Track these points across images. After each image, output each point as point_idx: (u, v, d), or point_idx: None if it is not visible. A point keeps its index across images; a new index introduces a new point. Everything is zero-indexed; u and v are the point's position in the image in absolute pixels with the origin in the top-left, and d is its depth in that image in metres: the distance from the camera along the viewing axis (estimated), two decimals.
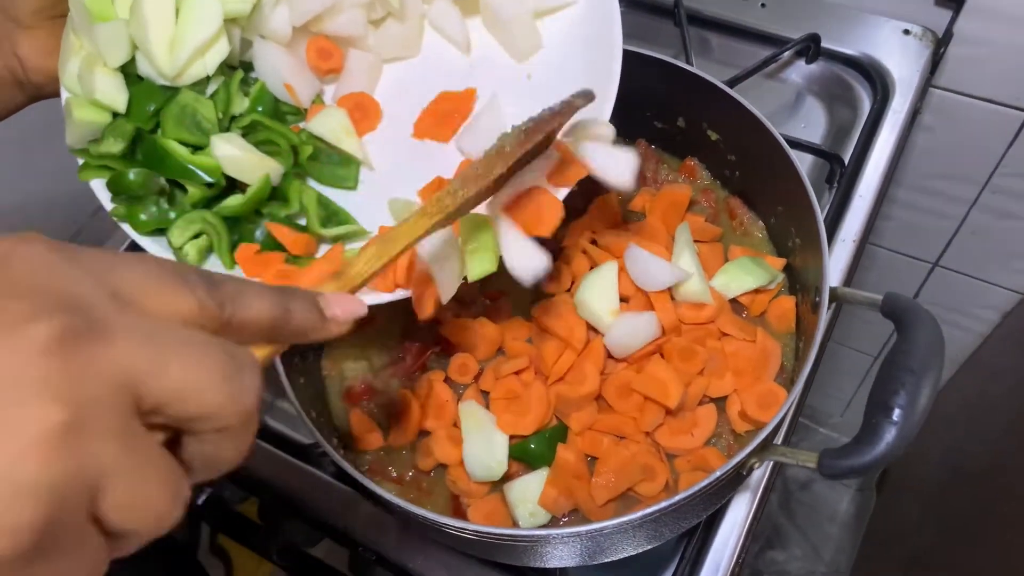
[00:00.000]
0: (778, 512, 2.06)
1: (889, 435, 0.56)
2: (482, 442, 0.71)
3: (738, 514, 0.80)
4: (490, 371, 0.76)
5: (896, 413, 0.56)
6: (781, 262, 0.79)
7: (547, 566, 0.76)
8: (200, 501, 0.99)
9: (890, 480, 1.87)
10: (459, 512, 0.73)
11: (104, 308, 0.29)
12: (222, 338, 0.32)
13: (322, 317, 0.39)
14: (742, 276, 0.77)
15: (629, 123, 0.89)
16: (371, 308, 0.81)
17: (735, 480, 0.68)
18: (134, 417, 0.28)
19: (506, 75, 0.72)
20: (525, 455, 0.73)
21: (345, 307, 0.41)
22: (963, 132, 1.17)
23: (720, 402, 0.75)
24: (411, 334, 0.80)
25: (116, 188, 0.62)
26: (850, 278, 0.92)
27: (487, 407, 0.75)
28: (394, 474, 0.74)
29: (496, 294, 0.82)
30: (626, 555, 0.72)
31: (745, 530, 0.80)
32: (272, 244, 0.66)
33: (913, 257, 1.47)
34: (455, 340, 0.78)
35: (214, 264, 0.65)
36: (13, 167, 1.04)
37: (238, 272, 0.65)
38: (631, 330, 0.72)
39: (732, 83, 0.98)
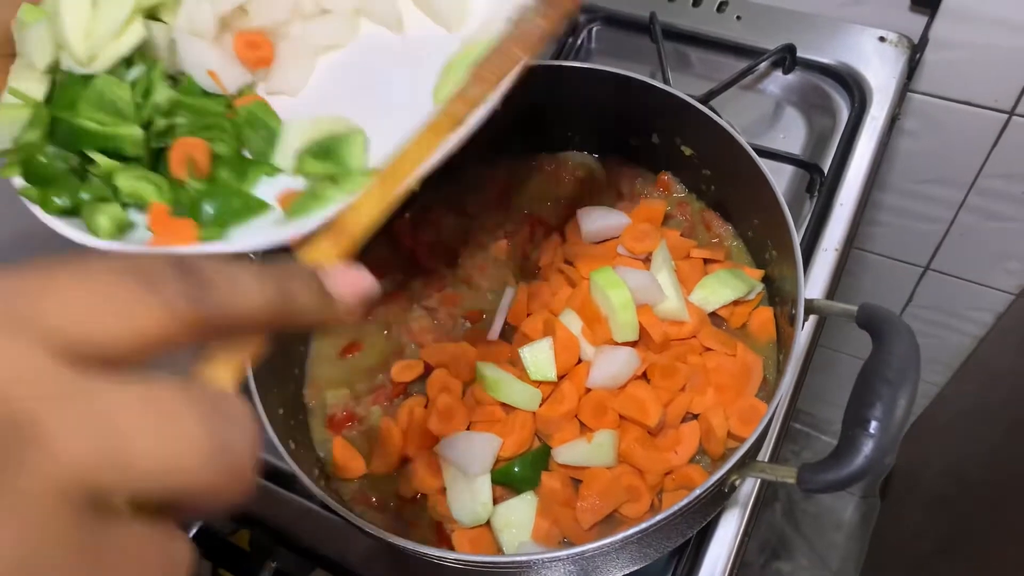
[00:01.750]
0: (783, 522, 2.04)
1: (867, 448, 0.55)
2: (465, 488, 0.70)
3: (728, 530, 0.79)
4: (470, 395, 0.75)
5: (873, 426, 0.55)
6: (759, 273, 0.78)
7: None
8: (191, 534, 0.98)
9: (894, 487, 1.86)
10: (443, 538, 0.72)
11: (29, 388, 0.22)
12: (200, 382, 0.26)
13: (327, 298, 0.32)
14: (720, 289, 0.77)
15: (604, 141, 0.90)
16: (356, 339, 0.82)
17: (719, 497, 0.67)
18: (98, 519, 0.22)
19: (441, 48, 0.70)
20: (509, 479, 0.72)
21: (353, 284, 0.33)
22: (946, 136, 1.17)
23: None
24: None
25: (29, 172, 0.61)
26: (834, 286, 0.92)
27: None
28: (376, 502, 0.74)
29: (476, 315, 0.81)
30: None
31: (736, 546, 0.79)
32: None
33: (904, 262, 1.47)
34: (436, 364, 0.78)
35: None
36: None
37: None
38: (614, 367, 0.71)
39: (709, 96, 0.98)
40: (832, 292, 0.92)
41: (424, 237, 0.86)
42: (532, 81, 0.83)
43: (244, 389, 0.89)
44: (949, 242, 1.37)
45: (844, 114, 1.01)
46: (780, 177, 0.99)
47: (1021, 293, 1.38)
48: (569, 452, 0.70)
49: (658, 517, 0.58)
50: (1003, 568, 1.11)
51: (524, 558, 0.61)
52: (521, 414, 0.73)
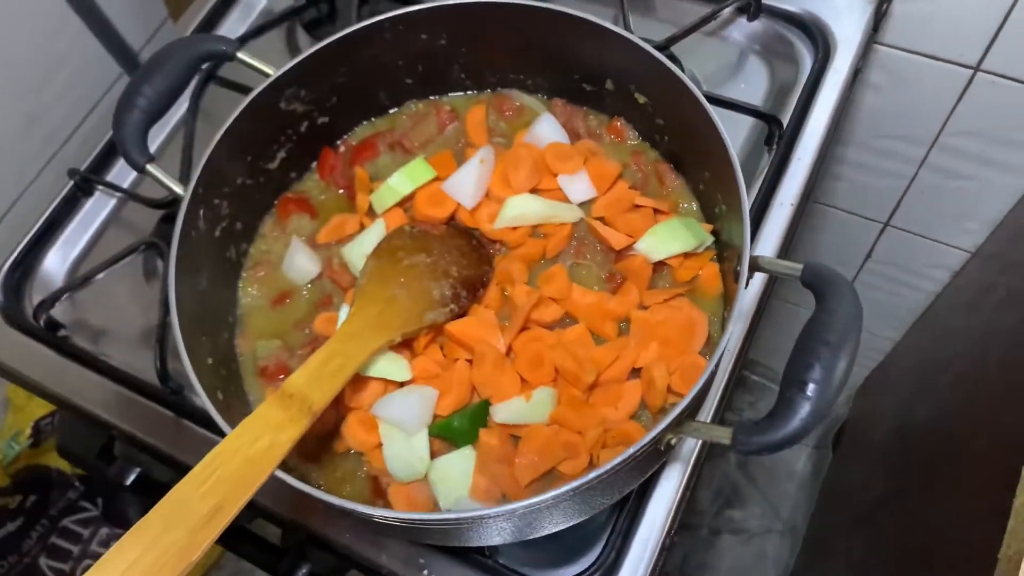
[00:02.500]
0: (737, 472, 2.08)
1: (803, 410, 0.54)
2: (402, 442, 0.69)
3: (669, 486, 0.79)
4: (405, 350, 0.73)
5: (811, 388, 0.54)
6: (708, 228, 0.76)
7: (472, 545, 0.75)
8: (128, 482, 0.96)
9: (845, 438, 1.89)
10: (379, 492, 0.71)
11: None
12: None
13: None
14: (669, 240, 0.75)
15: (555, 84, 0.86)
16: (284, 286, 0.79)
17: (655, 455, 0.66)
18: None
19: None
20: (448, 433, 0.71)
21: None
22: (910, 90, 1.15)
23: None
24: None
25: None
26: (788, 242, 0.90)
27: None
28: (308, 454, 0.72)
29: None
30: (554, 530, 0.71)
31: (676, 501, 0.79)
32: None
33: (865, 217, 1.46)
34: None
35: None
36: None
37: None
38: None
39: (670, 42, 0.95)
40: (787, 247, 0.90)
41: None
42: (482, 19, 0.80)
43: (164, 335, 0.87)
44: (909, 199, 1.36)
45: (807, 65, 0.98)
46: (739, 128, 0.96)
47: (977, 252, 1.38)
48: (507, 410, 0.69)
49: (591, 475, 0.57)
50: (943, 519, 1.13)
51: (461, 515, 0.60)
52: (459, 368, 0.71)
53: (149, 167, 0.72)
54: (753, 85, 1.01)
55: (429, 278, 0.74)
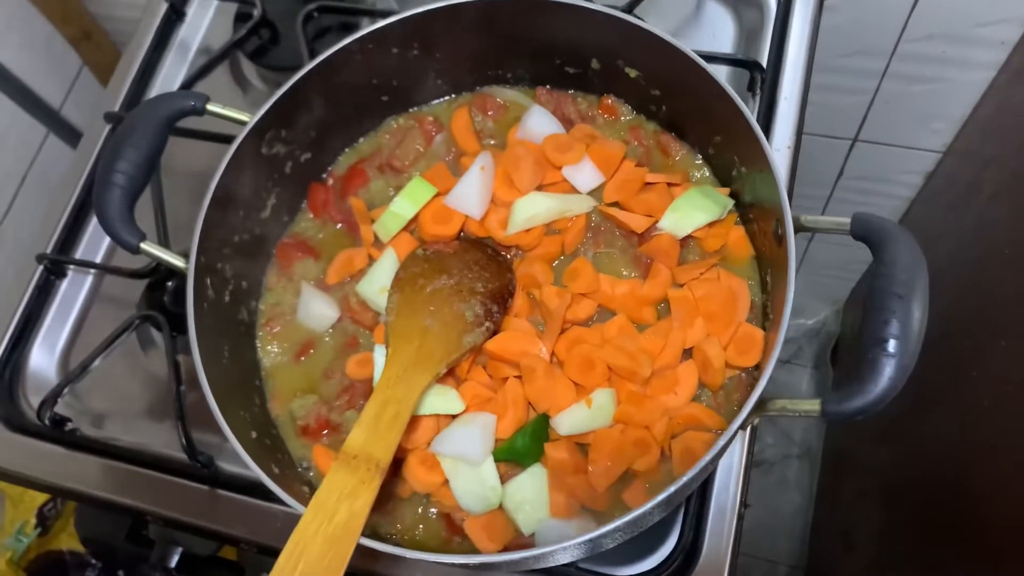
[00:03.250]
0: None
1: (889, 368, 0.53)
2: (470, 474, 0.66)
3: (732, 458, 0.78)
4: (450, 379, 0.70)
5: (891, 344, 0.53)
6: (725, 192, 0.74)
7: (566, 563, 0.73)
8: (173, 564, 0.92)
9: (842, 353, 1.91)
10: (454, 529, 0.68)
11: None
12: None
13: None
14: (692, 212, 0.73)
15: (536, 73, 0.83)
16: (304, 336, 0.76)
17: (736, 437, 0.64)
18: None
19: None
20: (513, 455, 0.68)
21: None
22: (865, 5, 1.14)
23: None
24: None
25: None
26: (792, 187, 0.89)
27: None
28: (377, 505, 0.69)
29: None
30: (636, 534, 0.69)
31: (742, 471, 0.78)
32: None
33: (833, 137, 1.46)
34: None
35: None
36: None
37: None
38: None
39: (634, 4, 0.92)
40: (791, 192, 0.89)
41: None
42: (449, 21, 0.76)
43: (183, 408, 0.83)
44: (875, 112, 1.36)
45: (771, 3, 0.96)
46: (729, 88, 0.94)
47: (948, 150, 1.39)
48: (570, 420, 0.67)
49: (684, 479, 0.55)
50: (958, 426, 1.15)
51: (550, 549, 0.57)
52: (511, 387, 0.68)
53: (143, 245, 0.67)
54: (720, 33, 0.99)
55: (457, 300, 0.71)
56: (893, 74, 1.27)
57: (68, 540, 1.65)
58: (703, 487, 0.77)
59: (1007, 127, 1.18)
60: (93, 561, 1.70)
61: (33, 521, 1.58)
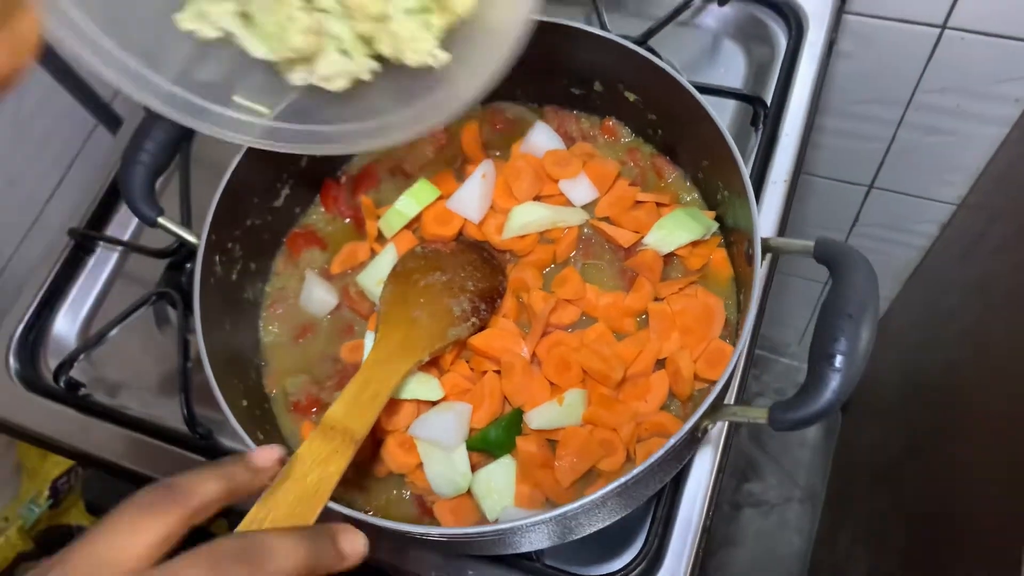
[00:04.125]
0: (750, 445, 2.10)
1: (834, 382, 0.56)
2: (443, 459, 0.70)
3: (703, 469, 0.81)
4: (433, 368, 0.74)
5: (839, 360, 0.56)
6: (711, 215, 0.78)
7: (522, 551, 0.76)
8: None
9: (854, 400, 1.91)
10: (425, 511, 0.72)
11: None
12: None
13: (340, 555, 0.48)
14: (677, 231, 0.76)
15: (544, 91, 0.88)
16: (304, 320, 0.80)
17: (692, 442, 0.68)
18: None
19: None
20: (486, 445, 0.72)
21: (355, 547, 0.48)
22: (882, 54, 1.17)
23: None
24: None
25: None
26: (786, 218, 0.92)
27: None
28: (351, 481, 0.73)
29: None
30: (597, 528, 0.72)
31: (711, 483, 0.80)
32: None
33: (848, 182, 1.48)
34: None
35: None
36: None
37: None
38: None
39: (647, 36, 0.96)
40: (784, 224, 0.92)
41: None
42: None
43: (188, 382, 0.87)
44: (891, 159, 1.39)
45: (782, 43, 1.01)
46: (723, 112, 0.98)
47: (962, 203, 1.41)
48: (541, 416, 0.70)
49: (634, 472, 0.59)
50: (964, 469, 1.16)
51: (509, 525, 0.61)
52: (488, 381, 0.72)
53: (160, 220, 0.73)
54: (732, 69, 1.03)
55: (447, 295, 0.75)
56: (909, 124, 1.29)
57: (77, 515, 1.71)
58: (672, 496, 0.80)
59: (1016, 182, 1.20)
60: None
61: (46, 493, 1.64)
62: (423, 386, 0.72)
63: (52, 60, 1.42)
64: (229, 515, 0.91)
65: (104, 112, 1.57)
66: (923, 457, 1.31)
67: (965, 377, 1.24)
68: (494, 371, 0.74)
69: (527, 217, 0.79)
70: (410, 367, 0.70)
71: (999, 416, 1.05)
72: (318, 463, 0.60)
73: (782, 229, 0.91)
